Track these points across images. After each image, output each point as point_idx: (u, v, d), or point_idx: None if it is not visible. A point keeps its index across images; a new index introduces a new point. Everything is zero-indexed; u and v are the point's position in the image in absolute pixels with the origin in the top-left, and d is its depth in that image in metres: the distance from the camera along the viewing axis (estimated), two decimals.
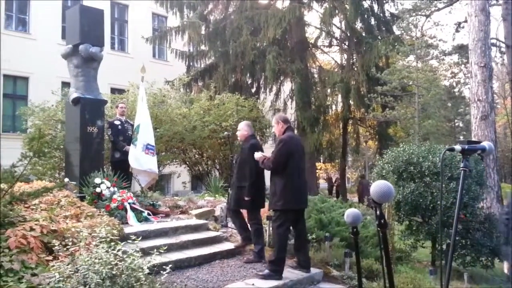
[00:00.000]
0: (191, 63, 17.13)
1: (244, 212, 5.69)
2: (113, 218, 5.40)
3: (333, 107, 18.51)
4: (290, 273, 5.00)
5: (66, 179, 6.48)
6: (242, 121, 6.10)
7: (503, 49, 17.22)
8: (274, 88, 17.84)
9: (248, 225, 5.60)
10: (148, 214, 6.34)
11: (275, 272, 4.73)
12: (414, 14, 14.92)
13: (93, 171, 6.45)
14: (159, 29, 18.18)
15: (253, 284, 4.55)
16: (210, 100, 11.72)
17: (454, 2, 16.24)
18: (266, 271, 4.76)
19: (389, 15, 17.17)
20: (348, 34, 16.45)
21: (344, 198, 16.05)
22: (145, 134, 7.03)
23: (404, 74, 13.46)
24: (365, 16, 15.95)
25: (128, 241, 4.07)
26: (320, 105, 15.91)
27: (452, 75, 20.26)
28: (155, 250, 4.04)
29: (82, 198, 6.01)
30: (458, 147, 2.52)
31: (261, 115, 14.38)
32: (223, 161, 12.37)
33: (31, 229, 4.04)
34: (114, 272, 3.42)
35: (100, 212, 5.48)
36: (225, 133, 8.68)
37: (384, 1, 16.92)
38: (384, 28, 16.53)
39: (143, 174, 7.09)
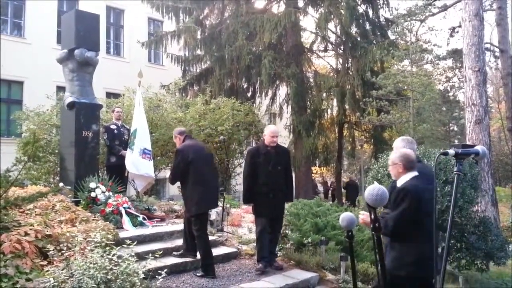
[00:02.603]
0: (186, 68, 17.11)
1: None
2: (108, 222, 5.39)
3: (329, 111, 18.51)
4: (286, 277, 5.01)
5: (61, 184, 6.45)
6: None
7: (497, 54, 17.36)
8: (270, 93, 17.85)
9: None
10: (144, 219, 6.32)
11: (209, 274, 4.93)
12: (408, 19, 14.97)
13: (88, 175, 6.43)
14: (155, 33, 18.17)
15: None
16: (205, 104, 11.72)
17: (448, 8, 16.36)
18: (201, 272, 4.96)
19: (384, 20, 17.26)
20: (343, 39, 16.51)
21: (340, 202, 16.06)
22: (142, 138, 7.03)
23: (399, 78, 13.51)
24: (360, 21, 16.02)
25: (123, 245, 4.06)
26: (316, 109, 15.93)
27: (447, 80, 20.36)
28: (151, 254, 4.04)
29: (77, 203, 5.99)
30: (451, 151, 2.54)
31: (257, 119, 14.37)
32: (218, 165, 12.35)
33: (26, 234, 4.03)
34: (109, 277, 3.42)
35: (95, 217, 5.47)
36: (221, 137, 8.66)
37: (379, 6, 17.00)
38: (379, 33, 16.60)
39: (139, 178, 7.07)
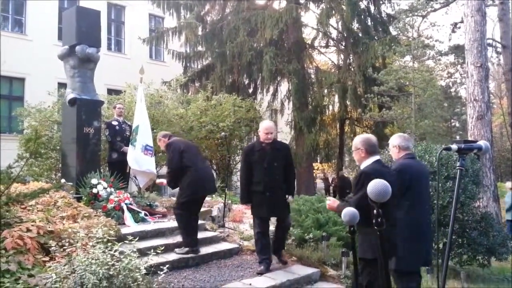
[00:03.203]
0: (188, 64, 17.10)
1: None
2: (110, 218, 5.39)
3: (330, 107, 18.50)
4: (287, 273, 5.01)
5: (63, 180, 6.47)
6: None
7: (499, 49, 17.32)
8: (271, 89, 17.82)
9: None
10: (145, 215, 6.33)
11: (192, 247, 5.23)
12: (410, 14, 14.92)
13: (89, 172, 6.43)
14: (156, 30, 18.14)
15: (250, 284, 4.56)
16: (207, 100, 11.71)
17: (450, 3, 16.30)
18: (185, 249, 5.22)
19: (386, 15, 17.20)
20: (345, 35, 16.47)
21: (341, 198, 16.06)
22: (144, 135, 7.02)
23: (401, 74, 13.47)
24: (362, 17, 15.97)
25: (125, 241, 4.07)
26: (317, 105, 15.91)
27: (449, 75, 20.32)
28: (152, 250, 4.05)
29: (78, 199, 6.00)
30: (454, 146, 2.54)
31: (258, 115, 14.37)
32: (220, 162, 12.37)
33: (28, 230, 4.03)
34: (111, 273, 3.42)
35: (97, 213, 5.47)
36: (222, 133, 8.67)
37: (381, 2, 16.95)
38: (380, 29, 16.55)
39: (141, 174, 7.08)
